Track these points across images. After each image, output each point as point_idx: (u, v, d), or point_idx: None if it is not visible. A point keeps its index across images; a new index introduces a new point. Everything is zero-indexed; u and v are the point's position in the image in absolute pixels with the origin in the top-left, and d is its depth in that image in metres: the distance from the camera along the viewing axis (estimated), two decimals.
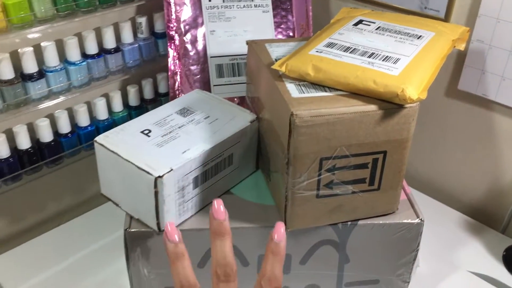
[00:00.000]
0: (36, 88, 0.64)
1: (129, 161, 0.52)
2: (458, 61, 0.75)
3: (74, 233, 0.74)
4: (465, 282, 0.68)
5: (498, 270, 0.70)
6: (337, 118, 0.49)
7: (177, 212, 0.55)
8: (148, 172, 0.51)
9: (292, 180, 0.52)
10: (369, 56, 0.53)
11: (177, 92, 0.72)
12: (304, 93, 0.51)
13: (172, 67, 0.72)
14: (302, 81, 0.53)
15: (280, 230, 0.39)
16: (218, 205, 0.40)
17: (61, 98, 0.69)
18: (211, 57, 0.73)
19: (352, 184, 0.54)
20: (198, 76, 0.73)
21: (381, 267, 0.61)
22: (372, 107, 0.50)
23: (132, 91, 0.76)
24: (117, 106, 0.75)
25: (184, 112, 0.61)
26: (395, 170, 0.54)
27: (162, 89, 0.80)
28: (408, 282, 0.63)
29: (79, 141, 0.71)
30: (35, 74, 0.66)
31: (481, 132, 0.77)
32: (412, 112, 0.51)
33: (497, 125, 0.75)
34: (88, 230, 0.74)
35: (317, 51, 0.54)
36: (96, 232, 0.74)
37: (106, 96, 0.74)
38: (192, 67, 0.73)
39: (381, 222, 0.58)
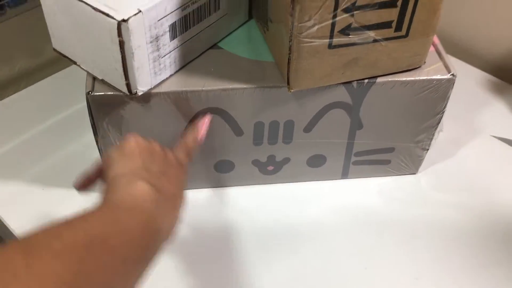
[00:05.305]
0: None
1: (82, 0, 0.39)
2: None
3: (33, 102, 0.63)
4: (487, 147, 0.60)
5: None
6: None
7: (151, 70, 0.43)
8: (108, 15, 0.38)
9: (298, 24, 0.40)
10: None
11: None
12: None
13: None
14: None
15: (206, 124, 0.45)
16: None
17: None
18: None
19: (374, 30, 0.42)
20: None
21: (399, 133, 0.52)
22: None
23: None
24: None
25: None
26: (429, 10, 0.42)
27: None
28: (427, 150, 0.54)
29: None
30: None
31: None
32: None
33: None
34: (49, 98, 0.63)
35: None
36: (58, 100, 0.63)
37: None
38: None
39: (403, 79, 0.47)
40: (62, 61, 0.65)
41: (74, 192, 0.54)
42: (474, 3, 0.69)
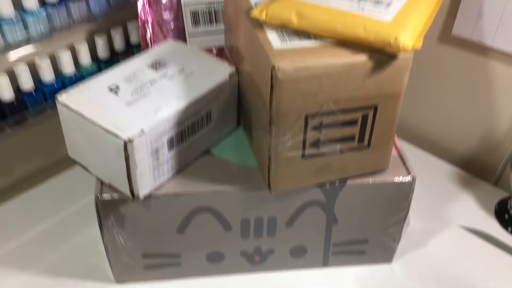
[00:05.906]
0: None
1: (95, 123, 0.47)
2: (452, 4, 0.70)
3: (46, 197, 0.70)
4: (456, 238, 0.66)
5: (490, 224, 0.68)
6: (324, 71, 0.44)
7: (151, 176, 0.50)
8: (116, 135, 0.46)
9: (275, 140, 0.48)
10: (359, 0, 0.48)
11: (149, 43, 0.66)
12: (287, 41, 0.46)
13: (143, 15, 0.66)
14: (285, 27, 0.48)
15: None
16: None
17: (20, 52, 0.62)
18: (185, 3, 0.67)
19: (340, 143, 0.50)
20: (172, 25, 0.67)
21: (370, 226, 0.58)
22: (362, 58, 0.45)
23: (100, 41, 0.69)
24: (85, 59, 0.69)
25: (156, 65, 0.55)
26: (386, 125, 0.50)
27: (134, 39, 0.74)
28: (399, 241, 0.60)
29: (44, 99, 0.66)
30: None
31: (475, 80, 0.73)
32: (406, 63, 0.46)
33: (492, 72, 0.70)
34: (60, 194, 0.70)
35: None
36: (69, 195, 0.70)
37: (72, 48, 0.68)
38: (165, 15, 0.66)
39: (371, 181, 0.54)
40: (70, 161, 0.73)
41: (84, 282, 0.59)
42: (441, 102, 0.78)
